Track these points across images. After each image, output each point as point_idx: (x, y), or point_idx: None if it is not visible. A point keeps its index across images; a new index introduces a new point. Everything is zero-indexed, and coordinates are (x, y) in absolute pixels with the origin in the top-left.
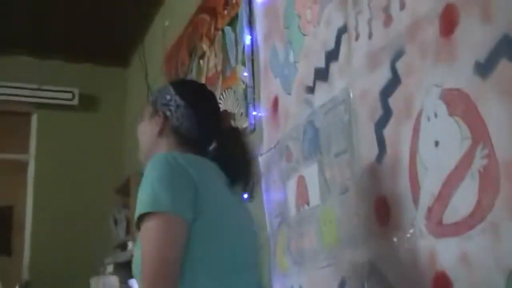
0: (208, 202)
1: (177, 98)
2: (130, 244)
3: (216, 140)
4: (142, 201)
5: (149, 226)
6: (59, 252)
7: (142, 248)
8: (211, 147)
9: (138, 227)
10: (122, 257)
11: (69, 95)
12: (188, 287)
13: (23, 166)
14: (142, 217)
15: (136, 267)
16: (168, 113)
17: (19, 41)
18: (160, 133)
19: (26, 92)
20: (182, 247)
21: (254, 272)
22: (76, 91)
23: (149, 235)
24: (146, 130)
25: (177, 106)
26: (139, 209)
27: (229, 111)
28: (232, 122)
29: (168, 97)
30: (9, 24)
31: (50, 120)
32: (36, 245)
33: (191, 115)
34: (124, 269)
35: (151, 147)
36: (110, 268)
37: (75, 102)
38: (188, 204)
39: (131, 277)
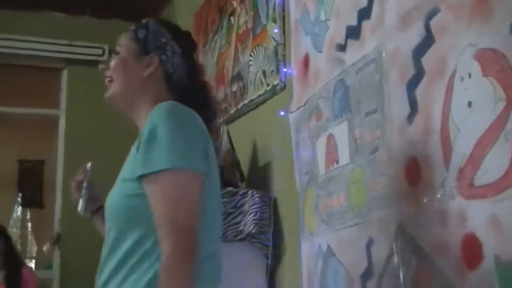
0: (211, 159)
1: (174, 43)
2: None
3: (196, 93)
4: (162, 154)
5: (171, 183)
6: None
7: (163, 205)
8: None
9: (144, 177)
10: None
11: (99, 51)
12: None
13: (54, 121)
14: (158, 172)
15: (119, 210)
16: (163, 57)
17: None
18: (151, 76)
19: (56, 48)
20: (201, 203)
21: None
22: (106, 47)
23: (172, 193)
24: (132, 67)
25: (173, 52)
26: (160, 163)
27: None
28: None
29: (164, 40)
30: None
31: (80, 76)
32: (67, 199)
33: (184, 65)
34: None
35: (136, 88)
36: None
37: (105, 58)
38: (203, 161)
39: None
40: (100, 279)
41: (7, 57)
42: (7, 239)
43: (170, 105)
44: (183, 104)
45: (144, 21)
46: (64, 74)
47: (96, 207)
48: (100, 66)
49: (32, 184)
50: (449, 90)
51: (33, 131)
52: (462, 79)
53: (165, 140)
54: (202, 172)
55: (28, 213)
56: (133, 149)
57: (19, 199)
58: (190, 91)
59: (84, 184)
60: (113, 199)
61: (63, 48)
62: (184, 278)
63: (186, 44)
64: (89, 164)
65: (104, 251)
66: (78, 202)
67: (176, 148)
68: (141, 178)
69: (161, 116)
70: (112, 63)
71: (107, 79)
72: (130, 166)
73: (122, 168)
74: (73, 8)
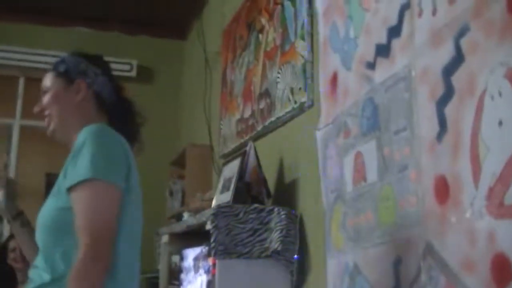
0: (133, 178)
1: (93, 66)
2: (185, 215)
3: (123, 107)
4: (85, 165)
5: (89, 192)
6: None
7: (81, 214)
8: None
9: (70, 189)
10: (177, 227)
11: (127, 67)
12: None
13: None
14: (80, 182)
15: (45, 218)
16: (88, 80)
17: (78, 12)
18: (83, 99)
19: None
20: (117, 213)
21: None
22: (134, 63)
23: (91, 201)
24: (64, 98)
25: (95, 74)
26: (82, 174)
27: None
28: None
29: (83, 65)
30: None
31: None
32: None
33: (107, 82)
34: (179, 240)
35: (70, 114)
36: (165, 238)
37: (133, 73)
38: (123, 178)
39: (186, 247)
40: (29, 285)
41: (36, 71)
42: None
43: (97, 125)
44: (112, 119)
45: (58, 59)
46: None
47: (16, 213)
48: (35, 109)
49: None
50: (479, 109)
51: (60, 145)
52: (492, 97)
53: (88, 155)
54: (120, 186)
55: None
56: (65, 164)
57: None
58: (118, 106)
59: (3, 176)
60: (44, 211)
61: None
62: (92, 285)
63: (103, 65)
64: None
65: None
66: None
67: (97, 162)
68: (68, 191)
69: (88, 134)
70: (45, 101)
71: (46, 118)
72: (61, 181)
73: (56, 183)
74: (102, 24)
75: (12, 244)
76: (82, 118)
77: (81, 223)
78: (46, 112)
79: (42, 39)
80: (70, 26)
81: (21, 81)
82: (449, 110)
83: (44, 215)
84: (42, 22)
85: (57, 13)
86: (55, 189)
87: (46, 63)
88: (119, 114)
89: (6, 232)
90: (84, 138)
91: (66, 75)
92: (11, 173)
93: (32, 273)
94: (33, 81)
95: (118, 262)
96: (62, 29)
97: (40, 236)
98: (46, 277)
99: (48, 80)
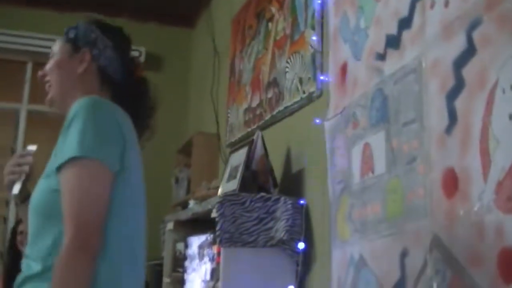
0: (130, 159)
1: (104, 38)
2: (191, 203)
3: (131, 88)
4: (72, 143)
5: (76, 172)
6: None
7: (67, 196)
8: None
9: (58, 169)
10: (183, 215)
11: (136, 53)
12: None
13: None
14: (68, 160)
15: (40, 204)
16: (95, 52)
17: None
18: (84, 71)
19: None
20: (107, 197)
21: (144, 239)
22: (143, 50)
23: (77, 183)
24: (66, 67)
25: (105, 46)
26: (69, 152)
27: (138, 60)
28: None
29: (94, 35)
30: None
31: None
32: None
33: (117, 57)
34: (185, 227)
35: (71, 85)
36: (170, 226)
37: (142, 60)
38: (117, 157)
39: (191, 234)
40: (19, 276)
41: (44, 56)
42: None
43: (90, 98)
44: (116, 99)
45: (74, 24)
46: None
47: (26, 195)
48: (39, 74)
49: None
50: (490, 102)
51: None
52: (504, 91)
53: (77, 131)
54: (112, 165)
55: None
56: (57, 143)
57: None
58: (125, 86)
59: (26, 168)
60: (36, 195)
61: None
62: (76, 276)
63: (118, 38)
64: (34, 147)
65: (28, 244)
66: (13, 184)
67: (86, 138)
68: (57, 171)
69: (78, 108)
70: (48, 66)
71: (46, 84)
72: (52, 160)
73: (48, 164)
74: (110, 10)
75: (20, 227)
76: (82, 91)
77: (66, 208)
78: (47, 78)
79: (50, 24)
80: (78, 12)
81: (29, 66)
82: (459, 102)
83: (35, 198)
84: (51, 7)
85: None
86: (47, 169)
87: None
88: (125, 93)
89: (12, 217)
90: (74, 112)
91: (74, 42)
92: None
93: (23, 263)
94: (41, 66)
95: (112, 246)
96: (71, 14)
97: (31, 221)
98: (36, 267)
99: (56, 45)
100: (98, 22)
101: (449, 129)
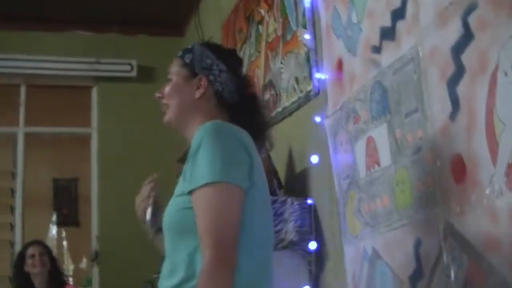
0: (257, 173)
1: (219, 62)
2: None
3: (246, 106)
4: (204, 168)
5: (211, 195)
6: (126, 223)
7: (203, 217)
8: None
9: (190, 192)
10: None
11: (127, 67)
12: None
13: (86, 139)
14: (202, 185)
15: (174, 222)
16: (211, 77)
17: (75, 17)
18: (201, 96)
19: (85, 66)
20: (239, 214)
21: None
22: (134, 63)
23: (212, 204)
24: (184, 91)
25: (220, 70)
26: (202, 179)
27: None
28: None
29: (209, 61)
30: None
31: (110, 93)
32: (103, 216)
33: (232, 80)
34: None
35: (189, 109)
36: None
37: (134, 73)
38: (245, 176)
39: None
40: None
41: (37, 78)
42: (53, 260)
43: (213, 123)
44: (234, 118)
45: (189, 46)
46: (94, 91)
47: (158, 227)
48: (156, 95)
49: (67, 202)
50: (493, 85)
51: (66, 150)
52: (506, 73)
53: (206, 157)
54: (241, 185)
55: (63, 232)
56: (185, 166)
57: (53, 218)
58: (240, 105)
59: (153, 194)
60: (168, 213)
61: (92, 66)
62: (220, 285)
63: (231, 60)
64: (156, 175)
65: (164, 263)
66: (146, 212)
67: (216, 163)
68: (189, 193)
69: (204, 134)
70: (166, 90)
71: (164, 106)
72: (182, 183)
73: (177, 184)
74: (100, 26)
75: (30, 251)
76: (200, 115)
77: (202, 228)
78: (164, 101)
79: (41, 45)
80: (68, 31)
81: (23, 89)
82: (461, 89)
83: (168, 218)
84: (40, 28)
85: (54, 18)
86: (176, 191)
87: (46, 68)
88: (242, 113)
89: (18, 241)
90: (200, 138)
91: (191, 67)
92: (18, 181)
93: (159, 285)
94: (35, 87)
95: (246, 257)
96: (61, 34)
97: (166, 240)
98: (171, 283)
99: (174, 67)
100: (212, 46)
101: (453, 116)
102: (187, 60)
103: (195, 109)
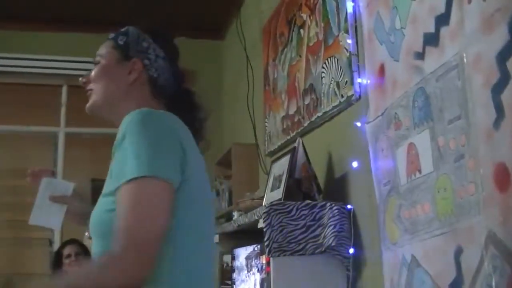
0: (191, 168)
1: (156, 47)
2: (235, 214)
3: (182, 99)
4: (128, 162)
5: (135, 191)
6: None
7: (123, 215)
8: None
9: (116, 188)
10: (227, 227)
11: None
12: (167, 254)
13: None
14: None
15: (98, 224)
16: (146, 62)
17: (113, 18)
18: (134, 81)
19: None
20: (169, 213)
21: (213, 241)
22: None
23: (134, 203)
24: (114, 75)
25: (156, 56)
26: (127, 175)
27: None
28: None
29: (146, 44)
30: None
31: None
32: None
33: (169, 68)
34: (230, 239)
35: (118, 96)
36: (216, 239)
37: None
38: (177, 169)
39: (236, 246)
40: None
41: (78, 79)
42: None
43: (140, 111)
44: (170, 110)
45: (123, 29)
46: None
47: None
48: (80, 80)
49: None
50: None
51: (104, 150)
52: None
53: (131, 149)
54: (171, 180)
55: None
56: (111, 162)
57: None
58: (177, 97)
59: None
60: (95, 214)
61: None
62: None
63: (169, 47)
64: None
65: None
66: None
67: (141, 155)
68: (115, 192)
69: (128, 123)
70: (93, 73)
71: (88, 92)
72: (108, 181)
73: (105, 183)
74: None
75: (66, 251)
76: (132, 103)
77: (121, 224)
78: (90, 86)
79: (83, 46)
80: (105, 32)
81: (64, 89)
82: (505, 96)
83: (93, 219)
84: (81, 29)
85: (93, 19)
86: (104, 189)
87: (87, 70)
88: (177, 105)
89: (57, 239)
90: (125, 128)
91: (124, 49)
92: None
93: None
94: (76, 88)
95: (178, 258)
96: (97, 35)
97: (94, 245)
98: None
99: (104, 49)
100: (150, 29)
101: (496, 124)
102: (121, 42)
103: (126, 96)
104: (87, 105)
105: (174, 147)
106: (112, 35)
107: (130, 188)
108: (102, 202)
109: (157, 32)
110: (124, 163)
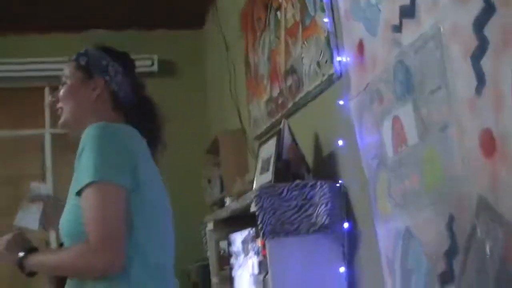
0: (143, 174)
1: (114, 63)
2: (227, 200)
3: (141, 108)
4: (87, 169)
5: (93, 194)
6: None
7: (87, 216)
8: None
9: (79, 194)
10: (221, 213)
11: (148, 62)
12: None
13: None
14: (85, 186)
15: (68, 225)
16: (107, 78)
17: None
18: (97, 97)
19: None
20: (124, 216)
21: (173, 249)
22: (155, 58)
23: (94, 206)
24: (79, 94)
25: (116, 72)
26: (85, 179)
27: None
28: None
29: (105, 62)
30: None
31: None
32: None
33: (127, 82)
34: (224, 225)
35: (85, 112)
36: (210, 226)
37: (155, 68)
38: (128, 175)
39: (232, 231)
40: None
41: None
42: None
43: (97, 125)
44: (129, 120)
45: (82, 51)
46: None
47: None
48: (49, 100)
49: None
50: None
51: None
52: None
53: (88, 157)
54: (123, 184)
55: None
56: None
57: None
58: (135, 107)
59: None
60: (62, 219)
61: None
62: (75, 269)
63: (126, 62)
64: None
65: None
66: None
67: (97, 163)
68: (77, 195)
69: (87, 135)
70: (61, 93)
71: (58, 110)
72: (72, 186)
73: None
74: (119, 24)
75: None
76: (96, 117)
77: (88, 225)
78: (59, 104)
79: (63, 46)
80: (88, 30)
81: (47, 91)
82: (485, 62)
83: (62, 223)
84: (60, 30)
85: (73, 20)
86: (69, 193)
87: None
88: (137, 114)
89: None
90: (84, 140)
91: (86, 69)
92: (49, 182)
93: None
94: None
95: (135, 260)
96: (81, 34)
97: (64, 242)
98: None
99: (67, 70)
100: (106, 49)
101: (478, 91)
102: (82, 62)
103: (91, 112)
104: (59, 122)
105: (126, 155)
106: (74, 56)
107: (88, 192)
108: (69, 206)
109: (112, 50)
110: (82, 172)
